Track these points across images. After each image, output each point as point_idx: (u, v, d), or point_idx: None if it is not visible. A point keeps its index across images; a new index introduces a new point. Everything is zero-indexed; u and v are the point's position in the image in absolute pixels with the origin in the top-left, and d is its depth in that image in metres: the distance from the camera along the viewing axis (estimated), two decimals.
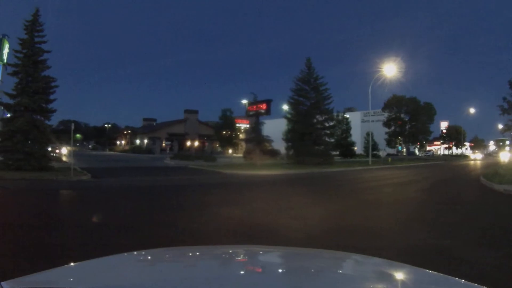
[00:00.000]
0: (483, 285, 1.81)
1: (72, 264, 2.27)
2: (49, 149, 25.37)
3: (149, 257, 2.63)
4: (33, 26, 26.83)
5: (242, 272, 2.26)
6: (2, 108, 27.57)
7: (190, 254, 2.92)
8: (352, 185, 21.18)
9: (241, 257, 2.73)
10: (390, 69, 44.68)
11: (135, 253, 2.85)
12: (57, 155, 28.26)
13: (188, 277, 2.03)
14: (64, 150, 53.86)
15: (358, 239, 7.86)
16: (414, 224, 9.78)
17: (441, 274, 2.10)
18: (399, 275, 2.18)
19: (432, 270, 2.16)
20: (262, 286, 1.86)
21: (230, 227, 8.91)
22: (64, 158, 39.34)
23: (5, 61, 29.91)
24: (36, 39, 26.87)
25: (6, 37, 30.52)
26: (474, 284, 1.89)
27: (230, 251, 2.97)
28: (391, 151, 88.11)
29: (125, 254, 2.60)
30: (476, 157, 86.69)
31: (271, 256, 2.86)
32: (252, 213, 11.02)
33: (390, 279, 2.14)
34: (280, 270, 2.42)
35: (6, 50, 30.31)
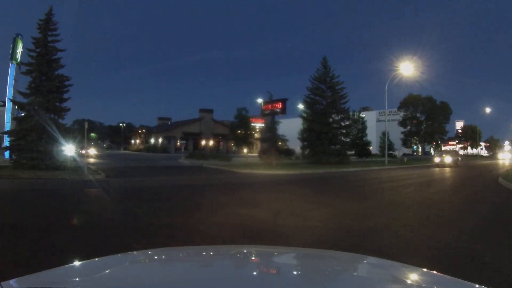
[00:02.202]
0: None
1: (72, 264, 2.27)
2: (64, 148, 25.09)
3: (150, 257, 2.62)
4: (47, 25, 26.77)
5: (246, 273, 2.20)
6: (16, 107, 27.43)
7: (192, 254, 2.91)
8: (373, 186, 20.51)
9: (246, 258, 2.71)
10: (406, 68, 43.72)
11: (135, 253, 2.82)
12: (78, 155, 27.98)
13: (189, 277, 2.01)
14: (92, 151, 53.82)
15: (386, 241, 7.45)
16: (440, 226, 9.21)
17: (453, 277, 2.02)
18: (410, 278, 2.14)
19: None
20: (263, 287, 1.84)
21: (253, 230, 8.39)
22: (92, 160, 39.29)
23: (18, 60, 29.88)
24: (50, 38, 26.85)
25: (19, 36, 30.45)
26: None
27: (233, 251, 2.97)
28: (407, 151, 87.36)
29: (125, 254, 2.60)
30: (443, 161, 43.77)
31: (276, 257, 2.79)
32: (275, 215, 10.48)
33: (399, 282, 2.06)
34: (288, 272, 2.36)
35: (19, 49, 30.26)
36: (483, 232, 8.55)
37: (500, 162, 63.03)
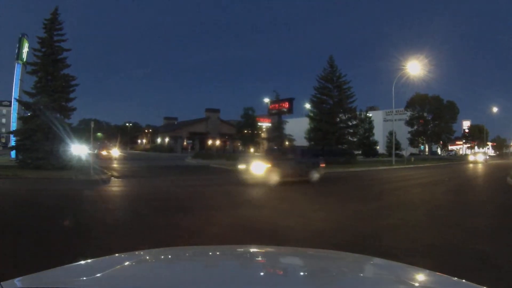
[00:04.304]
0: None
1: (72, 264, 2.22)
2: (70, 147, 25.06)
3: (152, 257, 2.60)
4: (52, 24, 26.77)
5: (251, 273, 2.17)
6: (22, 107, 27.48)
7: (196, 254, 2.90)
8: (383, 185, 20.43)
9: (251, 258, 2.69)
10: (413, 67, 43.02)
11: (136, 253, 2.77)
12: (96, 156, 27.81)
13: (192, 277, 1.98)
14: (116, 152, 53.15)
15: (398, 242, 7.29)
16: (444, 226, 9.08)
17: (459, 279, 2.00)
18: (415, 280, 2.13)
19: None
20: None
21: (261, 229, 8.20)
22: (115, 163, 38.90)
23: (24, 60, 30.09)
24: (56, 38, 26.89)
25: (25, 36, 30.56)
26: None
27: (238, 251, 2.93)
28: (413, 150, 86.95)
29: (127, 253, 2.58)
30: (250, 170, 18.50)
31: (281, 257, 2.79)
32: (284, 215, 10.27)
33: (404, 283, 2.03)
34: (294, 272, 2.33)
35: (25, 49, 30.48)
36: None
37: (470, 166, 47.82)
